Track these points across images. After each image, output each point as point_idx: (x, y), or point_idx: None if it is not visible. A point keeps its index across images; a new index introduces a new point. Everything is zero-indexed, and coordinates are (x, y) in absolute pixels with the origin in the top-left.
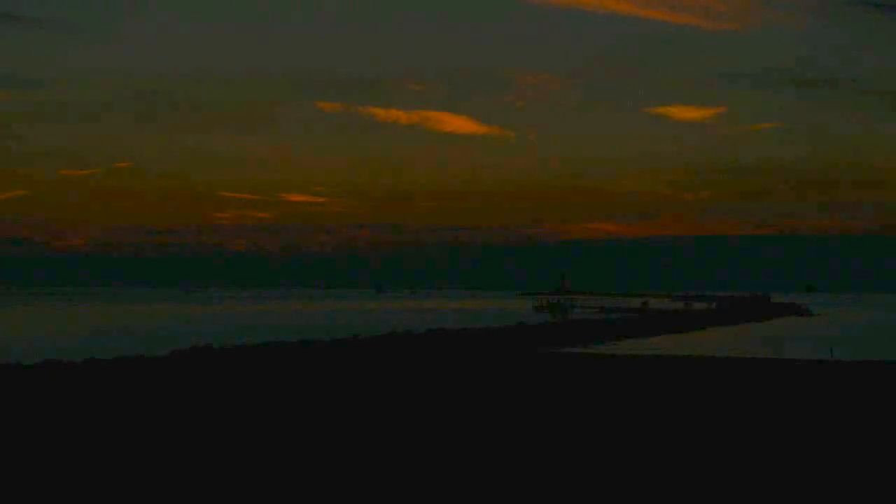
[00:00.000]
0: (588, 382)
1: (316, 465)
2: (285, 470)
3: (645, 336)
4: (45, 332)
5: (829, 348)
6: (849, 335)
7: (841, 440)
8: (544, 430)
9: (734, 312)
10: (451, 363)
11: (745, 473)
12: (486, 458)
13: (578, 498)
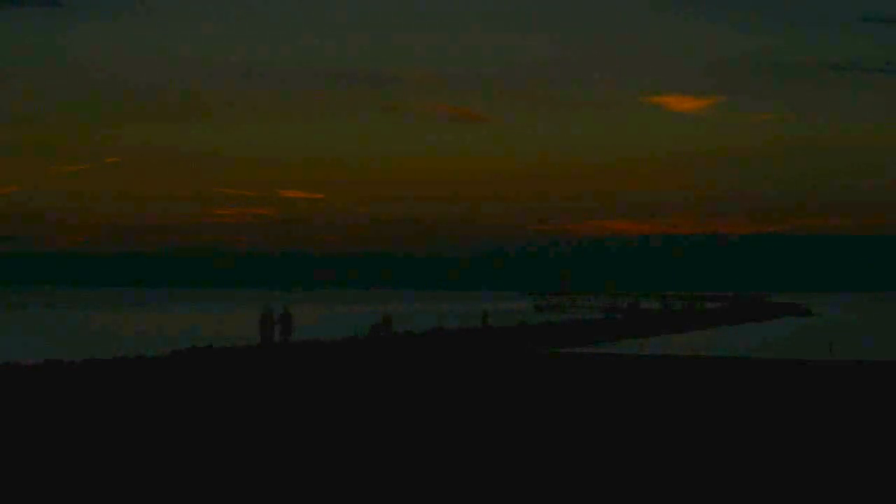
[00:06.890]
0: (589, 383)
1: (316, 466)
2: (285, 471)
3: (645, 336)
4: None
5: (828, 348)
6: (848, 334)
7: (842, 440)
8: (545, 433)
9: (734, 312)
10: (452, 364)
11: (746, 474)
12: (487, 461)
13: (580, 498)
